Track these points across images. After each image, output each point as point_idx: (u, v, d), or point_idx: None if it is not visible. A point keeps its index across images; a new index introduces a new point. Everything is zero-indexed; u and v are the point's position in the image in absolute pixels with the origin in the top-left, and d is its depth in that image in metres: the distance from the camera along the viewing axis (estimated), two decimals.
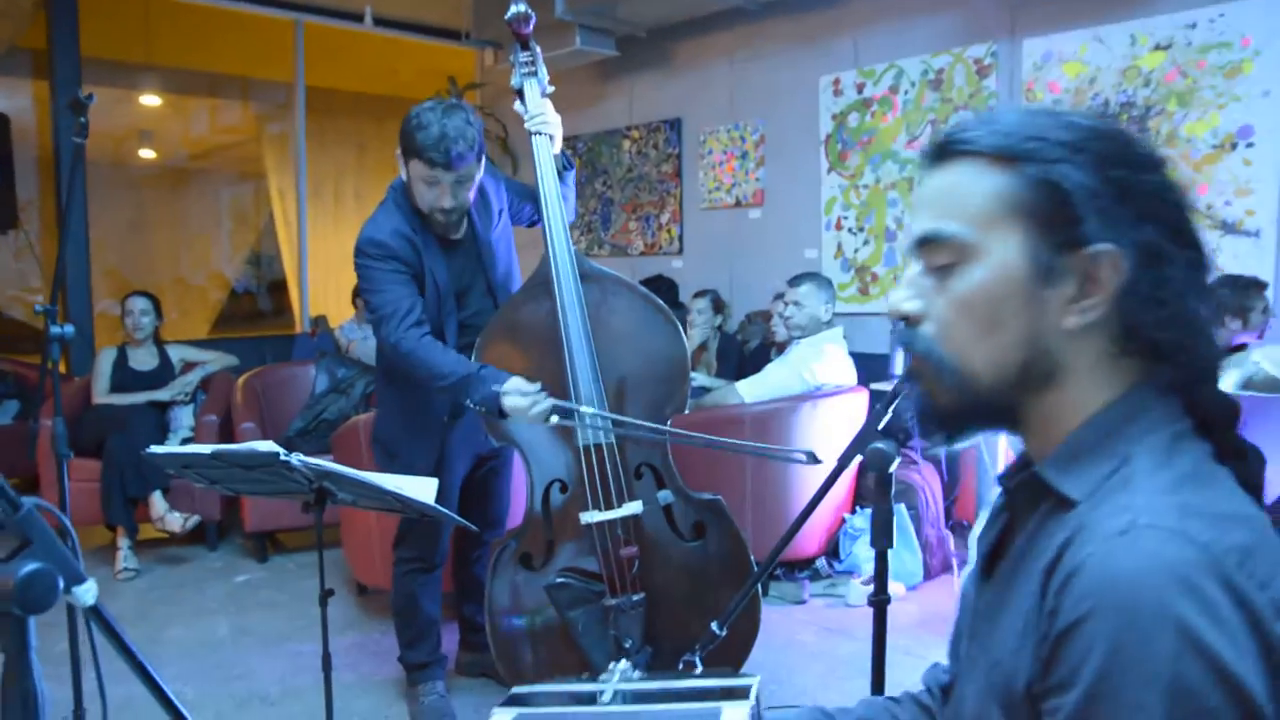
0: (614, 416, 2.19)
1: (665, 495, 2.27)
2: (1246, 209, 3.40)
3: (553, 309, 2.23)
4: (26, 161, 5.58)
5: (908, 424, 3.77)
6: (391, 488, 1.68)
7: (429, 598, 2.55)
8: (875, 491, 1.36)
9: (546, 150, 2.34)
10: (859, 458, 1.38)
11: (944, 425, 0.81)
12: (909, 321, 0.80)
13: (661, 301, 2.33)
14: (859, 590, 3.32)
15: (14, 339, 5.84)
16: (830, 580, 3.50)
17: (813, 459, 1.90)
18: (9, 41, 5.35)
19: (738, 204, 5.03)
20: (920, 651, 2.86)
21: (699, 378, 4.15)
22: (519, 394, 2.11)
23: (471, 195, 2.32)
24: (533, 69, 2.37)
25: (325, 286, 6.16)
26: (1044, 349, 0.74)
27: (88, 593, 0.83)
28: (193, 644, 3.14)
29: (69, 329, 2.08)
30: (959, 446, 0.82)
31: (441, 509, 1.78)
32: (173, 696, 0.90)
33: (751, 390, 3.48)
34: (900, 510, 3.49)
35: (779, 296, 4.00)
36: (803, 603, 3.38)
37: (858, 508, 3.66)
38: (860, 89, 4.47)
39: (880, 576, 1.42)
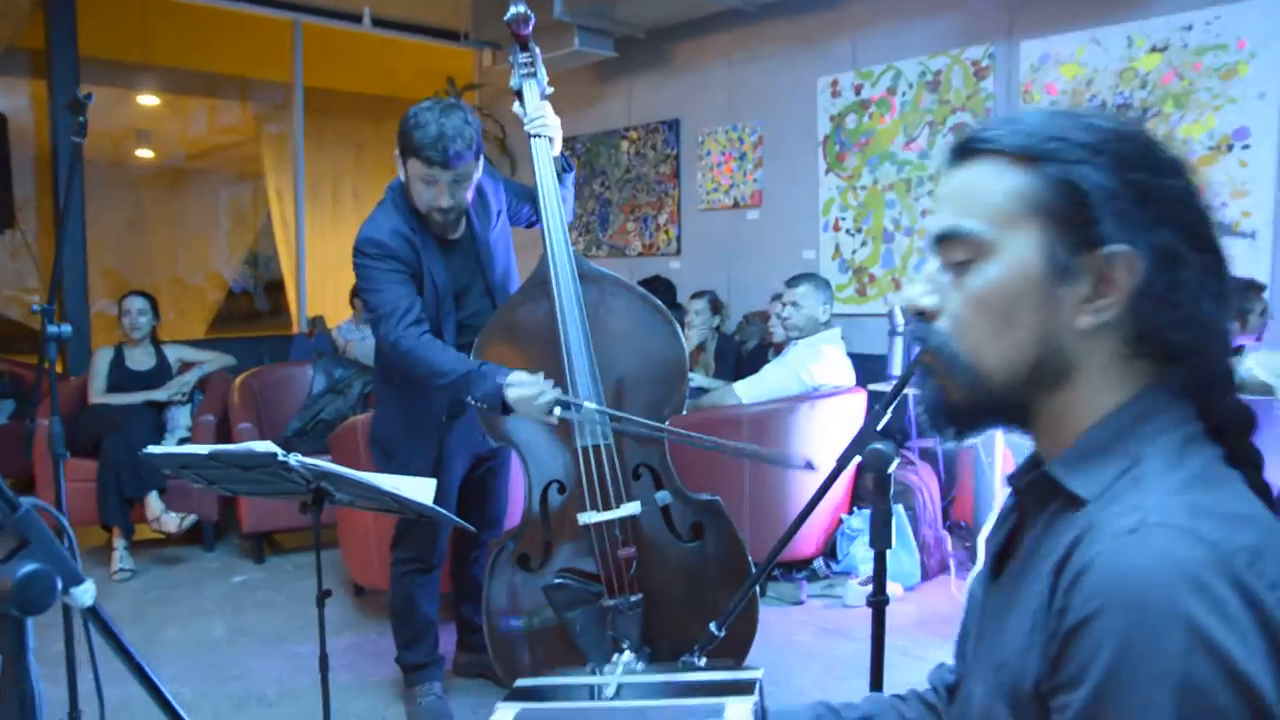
0: (615, 413, 2.19)
1: (663, 496, 2.27)
2: (1243, 210, 3.41)
3: (551, 309, 2.23)
4: (24, 161, 5.58)
5: (905, 424, 3.75)
6: (389, 488, 1.68)
7: (426, 598, 2.55)
8: (874, 492, 1.35)
9: (546, 153, 2.34)
10: (857, 458, 1.38)
11: (955, 421, 0.81)
12: (924, 316, 0.80)
13: (660, 302, 2.33)
14: (856, 591, 3.33)
15: (11, 339, 5.83)
16: (828, 581, 3.51)
17: (809, 467, 1.90)
18: (7, 41, 5.34)
19: (736, 205, 5.03)
20: (918, 652, 2.86)
21: (697, 378, 4.15)
22: (524, 384, 2.11)
23: (469, 195, 2.32)
24: (532, 70, 2.37)
25: (323, 287, 6.16)
26: (1057, 347, 0.75)
27: (86, 594, 0.82)
28: (189, 645, 3.13)
29: (66, 329, 2.07)
30: (969, 442, 0.82)
31: (439, 510, 1.78)
32: (170, 697, 0.90)
33: (749, 391, 3.48)
34: (898, 511, 3.49)
35: (777, 297, 4.00)
36: (800, 603, 3.39)
37: (855, 508, 3.66)
38: (858, 90, 4.47)
39: (879, 577, 1.41)
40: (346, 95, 6.91)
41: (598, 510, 2.21)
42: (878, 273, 4.44)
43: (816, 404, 3.40)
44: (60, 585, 0.79)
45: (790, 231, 4.78)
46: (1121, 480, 0.71)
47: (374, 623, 3.26)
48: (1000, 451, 3.35)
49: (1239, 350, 2.88)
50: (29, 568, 0.77)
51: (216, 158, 7.28)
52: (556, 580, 2.25)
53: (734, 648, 2.27)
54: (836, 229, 4.59)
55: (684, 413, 2.41)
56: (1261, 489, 0.73)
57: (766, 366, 3.66)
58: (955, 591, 3.39)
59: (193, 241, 7.16)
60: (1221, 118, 3.43)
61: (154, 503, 3.89)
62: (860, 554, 3.47)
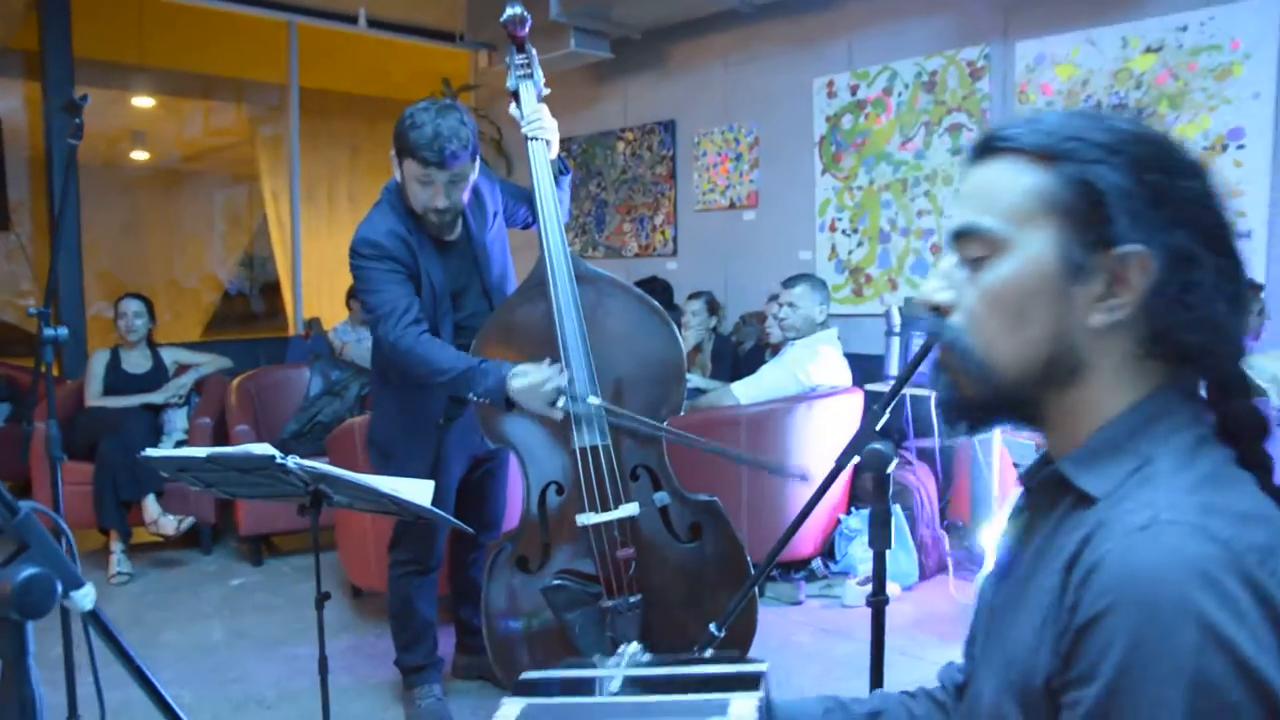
0: (617, 410, 2.19)
1: (661, 497, 2.27)
2: (1237, 210, 3.41)
3: (548, 310, 2.24)
4: (18, 163, 5.57)
5: (903, 424, 3.76)
6: (387, 490, 1.68)
7: (425, 600, 2.55)
8: (873, 492, 1.35)
9: (543, 155, 2.34)
10: (856, 458, 1.38)
11: (967, 416, 0.82)
12: (939, 311, 0.81)
13: (657, 303, 2.33)
14: (855, 591, 3.33)
15: (6, 342, 5.81)
16: (826, 581, 3.51)
17: (804, 478, 1.91)
18: (1, 42, 5.33)
19: (732, 206, 5.04)
20: (916, 652, 2.87)
21: (694, 379, 4.15)
22: (529, 372, 2.12)
23: (465, 196, 2.32)
24: (528, 71, 2.37)
25: (319, 289, 6.15)
26: (1069, 345, 0.75)
27: (86, 597, 0.82)
28: (188, 648, 3.13)
29: (62, 332, 2.07)
30: (979, 437, 0.83)
31: (437, 511, 1.77)
32: (170, 701, 0.90)
33: (746, 392, 3.48)
34: (895, 511, 3.50)
35: (773, 298, 4.00)
36: (799, 604, 3.39)
37: (853, 509, 3.66)
38: (854, 91, 4.48)
39: (878, 577, 1.42)
40: (342, 96, 6.91)
41: (596, 511, 2.21)
42: (874, 273, 4.45)
43: (813, 404, 3.40)
44: (60, 589, 0.79)
45: (786, 232, 4.78)
46: (1132, 479, 0.72)
47: (373, 625, 3.25)
48: (998, 451, 3.36)
49: None
50: (29, 571, 0.77)
51: (212, 159, 7.27)
52: (555, 581, 2.24)
53: (733, 648, 2.27)
54: (833, 229, 4.60)
55: (682, 414, 2.41)
56: (1273, 493, 0.74)
57: (763, 367, 3.67)
58: (953, 591, 3.39)
59: (188, 243, 7.15)
60: (1216, 118, 3.44)
61: (151, 506, 3.88)
62: (858, 554, 3.47)
